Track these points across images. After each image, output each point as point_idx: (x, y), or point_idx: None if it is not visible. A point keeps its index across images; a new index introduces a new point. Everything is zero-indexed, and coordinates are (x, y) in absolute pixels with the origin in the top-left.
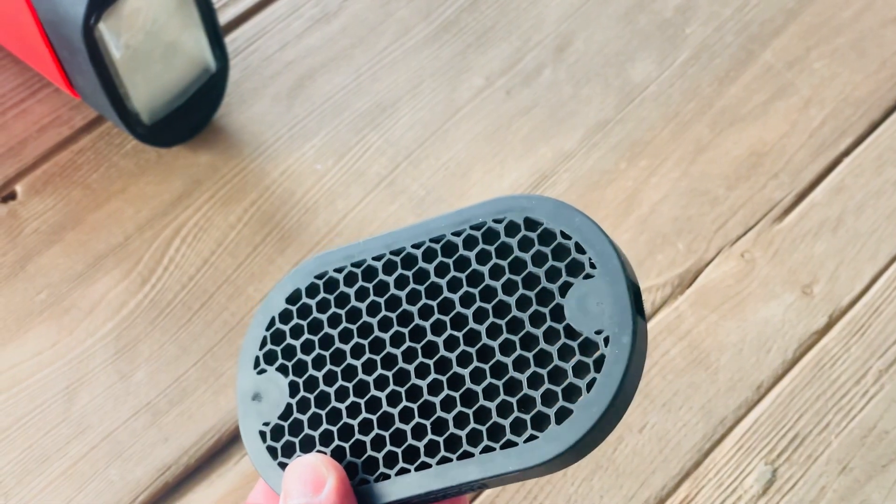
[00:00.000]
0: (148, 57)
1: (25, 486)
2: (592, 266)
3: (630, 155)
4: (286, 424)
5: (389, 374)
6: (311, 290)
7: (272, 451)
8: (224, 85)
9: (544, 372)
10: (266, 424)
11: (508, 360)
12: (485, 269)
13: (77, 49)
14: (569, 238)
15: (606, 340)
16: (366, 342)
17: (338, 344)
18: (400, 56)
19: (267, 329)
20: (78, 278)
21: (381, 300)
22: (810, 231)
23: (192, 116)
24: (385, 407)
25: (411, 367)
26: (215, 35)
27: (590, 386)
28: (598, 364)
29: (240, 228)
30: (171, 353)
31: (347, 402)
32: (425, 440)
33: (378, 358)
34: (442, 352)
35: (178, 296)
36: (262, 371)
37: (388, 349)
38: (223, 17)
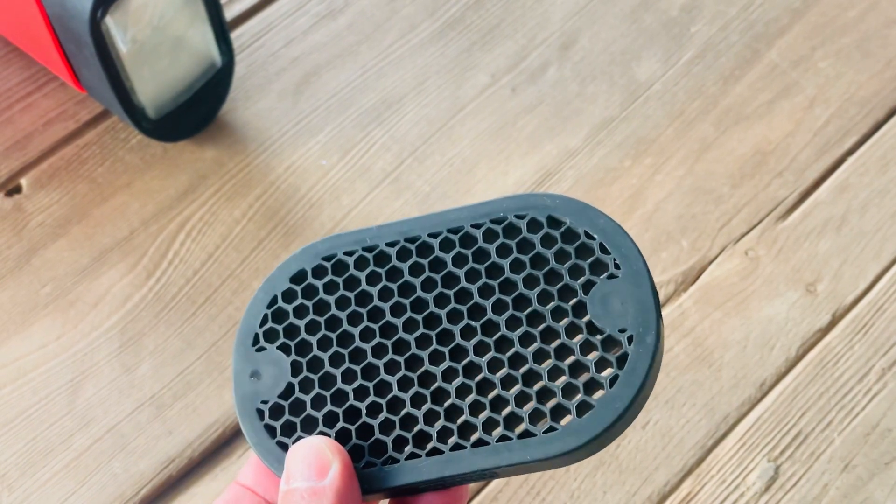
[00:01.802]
0: (154, 52)
1: (29, 477)
2: (616, 267)
3: (635, 153)
4: (286, 404)
5: (401, 358)
6: (318, 272)
7: (270, 430)
8: (230, 80)
9: (565, 365)
10: (264, 402)
11: (528, 352)
12: (505, 263)
13: (84, 43)
14: (592, 238)
15: (630, 339)
16: (376, 326)
17: (345, 326)
18: (405, 53)
19: (268, 307)
20: (83, 272)
21: (394, 286)
22: (814, 229)
23: (198, 111)
24: (395, 391)
25: (425, 354)
26: (221, 30)
27: (612, 382)
28: (621, 361)
29: (244, 223)
30: (175, 347)
31: (354, 385)
32: (438, 426)
33: (389, 342)
34: (458, 340)
35: (182, 290)
36: (262, 349)
37: (401, 334)
38: (229, 13)
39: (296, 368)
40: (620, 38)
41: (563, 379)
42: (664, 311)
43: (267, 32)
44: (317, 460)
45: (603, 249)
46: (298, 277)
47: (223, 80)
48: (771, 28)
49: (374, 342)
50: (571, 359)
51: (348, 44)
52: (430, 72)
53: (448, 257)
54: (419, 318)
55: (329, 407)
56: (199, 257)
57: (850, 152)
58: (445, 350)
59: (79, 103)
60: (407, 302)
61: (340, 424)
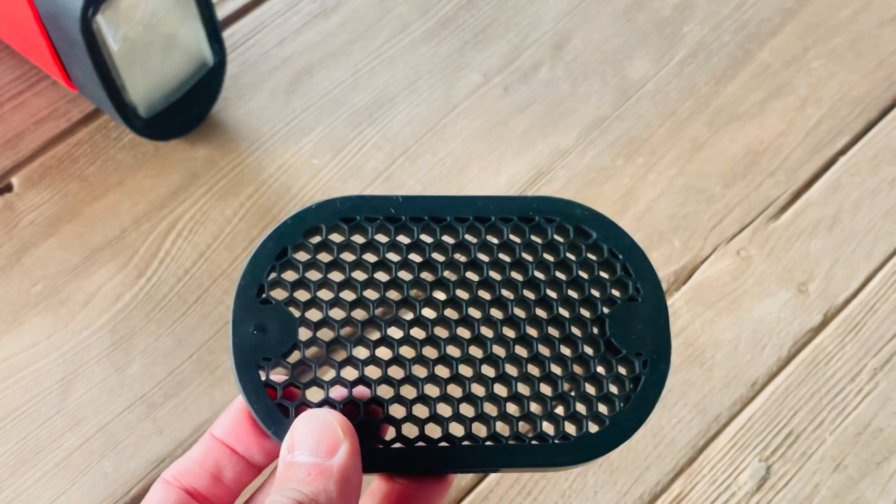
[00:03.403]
0: (146, 50)
1: (19, 477)
2: (637, 290)
3: (627, 152)
4: (291, 365)
5: (419, 338)
6: (335, 231)
7: (271, 390)
8: (221, 79)
9: (582, 377)
10: (266, 360)
11: (546, 357)
12: (530, 262)
13: (75, 41)
14: (617, 257)
15: (644, 364)
16: (394, 300)
17: (361, 293)
18: (398, 52)
19: (277, 258)
20: (74, 271)
21: (416, 263)
22: (806, 229)
23: (190, 110)
24: (411, 371)
25: (444, 337)
26: (213, 29)
27: (625, 402)
28: (634, 384)
29: (236, 222)
30: (166, 346)
31: (367, 356)
32: (452, 415)
33: (407, 319)
34: (478, 331)
35: (173, 289)
36: (266, 301)
37: (420, 313)
38: (221, 12)
39: (304, 328)
40: (613, 38)
41: (578, 390)
42: None
43: (259, 31)
44: (328, 437)
45: (625, 270)
46: (313, 233)
47: (215, 78)
48: (763, 28)
49: (391, 316)
50: (588, 372)
51: (341, 43)
52: (423, 71)
53: (473, 245)
54: (440, 300)
55: (338, 375)
56: (190, 256)
57: (842, 152)
58: (465, 339)
59: (70, 102)
60: (428, 282)
61: (348, 396)
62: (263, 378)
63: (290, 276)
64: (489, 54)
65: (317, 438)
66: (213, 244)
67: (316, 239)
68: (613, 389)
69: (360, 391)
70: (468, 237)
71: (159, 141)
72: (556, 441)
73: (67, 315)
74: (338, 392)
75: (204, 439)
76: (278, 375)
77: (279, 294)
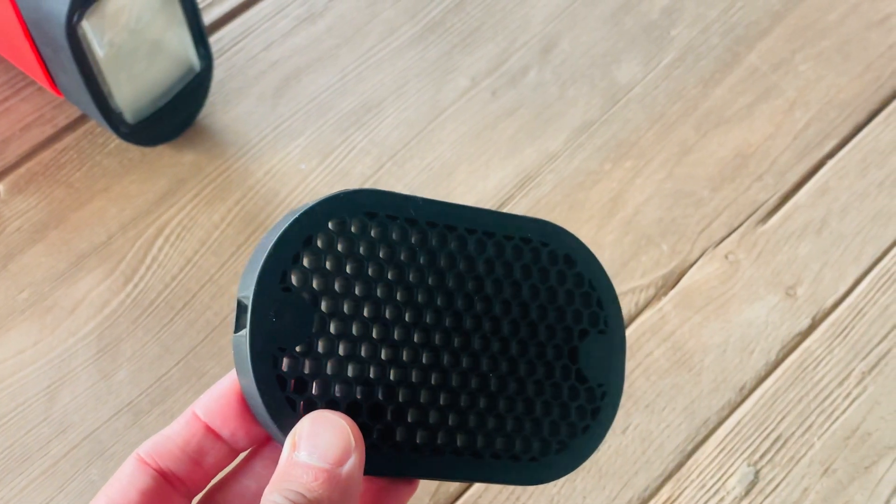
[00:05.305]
0: (132, 55)
1: (6, 485)
2: (605, 324)
3: (615, 156)
4: (305, 360)
5: (422, 349)
6: (360, 226)
7: (281, 381)
8: (208, 84)
9: (555, 403)
10: (282, 350)
11: (529, 381)
12: (524, 286)
13: (60, 47)
14: (594, 289)
15: (603, 396)
16: (405, 307)
17: (377, 294)
18: (386, 56)
19: (303, 245)
20: (60, 277)
21: (428, 271)
22: (794, 233)
23: (177, 116)
24: (412, 380)
25: (444, 351)
26: (200, 34)
27: (585, 430)
28: (594, 414)
29: (223, 228)
30: (153, 353)
31: (376, 361)
32: (445, 427)
33: (414, 328)
34: (474, 346)
35: (160, 295)
36: (287, 289)
37: (426, 323)
38: (208, 17)
39: (323, 324)
40: (601, 42)
41: (551, 416)
42: (644, 315)
43: (246, 36)
44: (340, 444)
45: (599, 304)
46: (340, 224)
47: (202, 84)
48: (751, 31)
49: (400, 323)
50: (561, 399)
51: (328, 47)
52: (410, 75)
53: (479, 260)
54: (445, 312)
55: (347, 375)
56: (177, 262)
57: (830, 155)
58: (463, 355)
59: (56, 108)
60: (436, 292)
61: (354, 397)
62: (276, 369)
63: (310, 264)
64: (477, 58)
65: (327, 443)
66: (200, 250)
67: (342, 232)
68: (576, 416)
69: (367, 395)
70: (473, 250)
71: (146, 146)
72: (527, 461)
73: (54, 322)
74: (339, 389)
75: (185, 419)
76: (287, 367)
77: (303, 284)
